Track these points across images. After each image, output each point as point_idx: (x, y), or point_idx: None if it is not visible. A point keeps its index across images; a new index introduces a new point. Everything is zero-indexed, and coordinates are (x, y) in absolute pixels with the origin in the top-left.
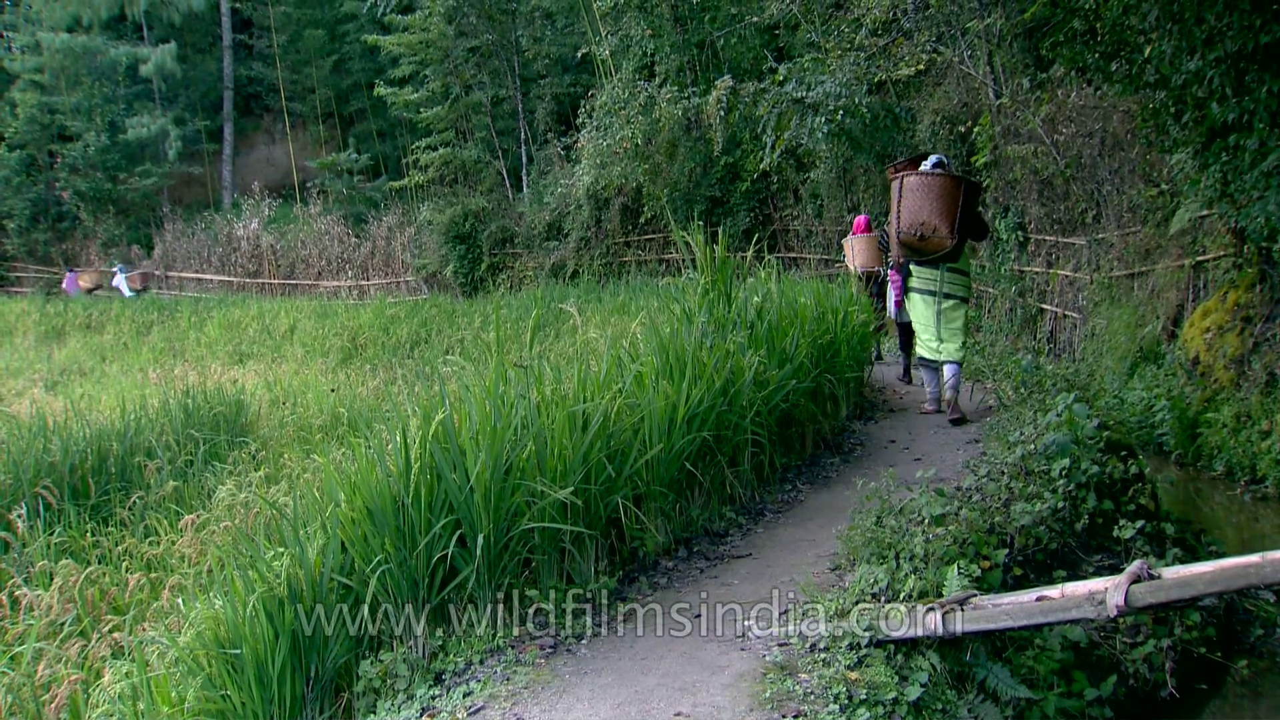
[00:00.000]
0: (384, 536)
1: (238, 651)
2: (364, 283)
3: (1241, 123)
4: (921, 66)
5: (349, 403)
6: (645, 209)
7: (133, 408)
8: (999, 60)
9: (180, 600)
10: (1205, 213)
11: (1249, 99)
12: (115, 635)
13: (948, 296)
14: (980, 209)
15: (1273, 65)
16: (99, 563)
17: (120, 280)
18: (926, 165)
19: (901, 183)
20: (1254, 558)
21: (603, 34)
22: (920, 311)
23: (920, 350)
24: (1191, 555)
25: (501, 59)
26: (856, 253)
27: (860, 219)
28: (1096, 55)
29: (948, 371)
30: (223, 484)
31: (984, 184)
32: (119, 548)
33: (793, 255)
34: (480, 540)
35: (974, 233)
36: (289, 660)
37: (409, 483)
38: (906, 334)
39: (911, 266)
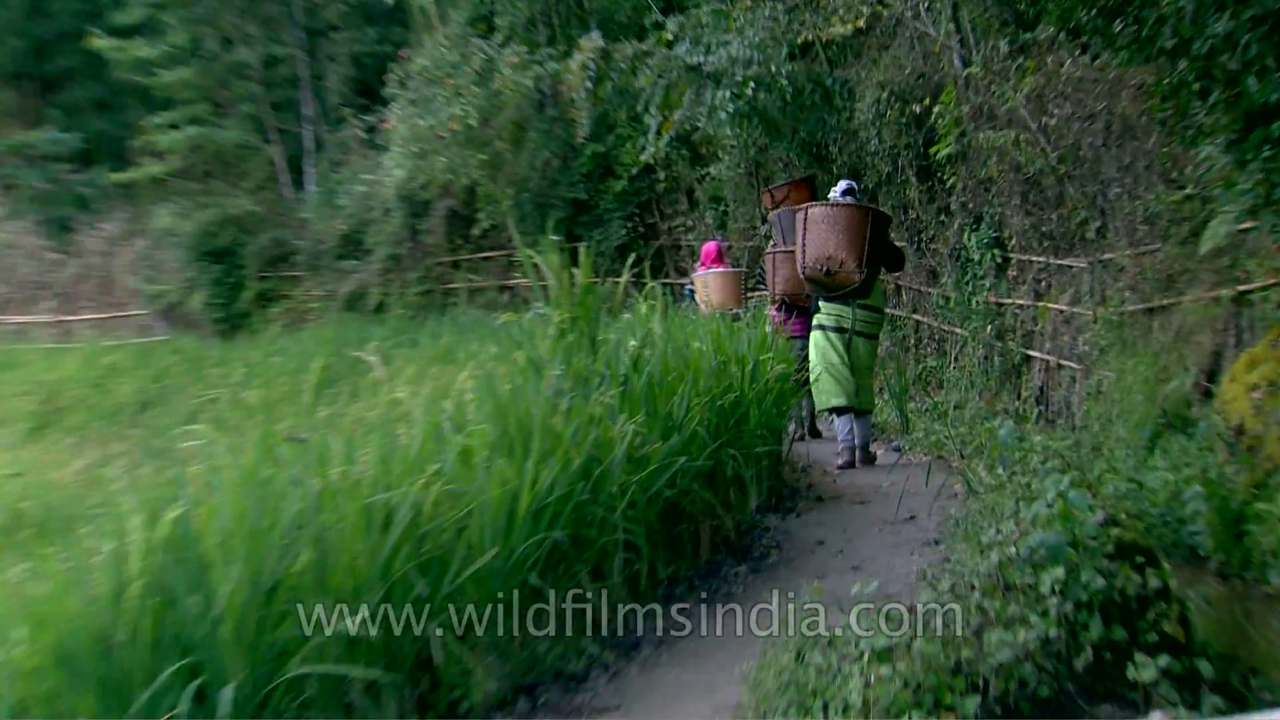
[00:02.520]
0: (84, 692)
1: None
2: (70, 318)
3: None
4: (861, 24)
5: (39, 494)
6: (481, 216)
7: None
8: (966, 15)
9: None
10: (1246, 225)
11: None
12: None
13: (859, 334)
14: (893, 238)
15: None
16: None
17: None
18: (836, 193)
19: (806, 214)
20: None
21: None
22: (830, 352)
23: (829, 398)
24: (1238, 705)
25: (277, 2)
26: (711, 290)
27: (709, 246)
28: (1094, 12)
29: (858, 425)
30: None
31: (892, 216)
32: None
33: (685, 281)
34: (229, 694)
35: (887, 263)
36: None
37: (123, 611)
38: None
39: (820, 303)
